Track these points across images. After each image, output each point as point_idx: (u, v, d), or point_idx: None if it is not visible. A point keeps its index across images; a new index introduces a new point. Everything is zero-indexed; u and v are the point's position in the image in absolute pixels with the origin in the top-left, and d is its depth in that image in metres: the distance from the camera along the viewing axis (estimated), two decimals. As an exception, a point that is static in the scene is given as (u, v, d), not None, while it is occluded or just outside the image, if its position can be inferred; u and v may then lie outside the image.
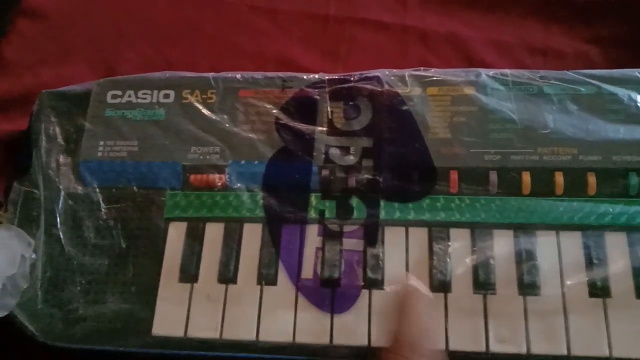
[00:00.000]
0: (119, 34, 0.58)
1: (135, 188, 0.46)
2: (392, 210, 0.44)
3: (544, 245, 0.42)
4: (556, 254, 0.42)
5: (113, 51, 0.57)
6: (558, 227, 0.42)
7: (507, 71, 0.45)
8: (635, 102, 0.44)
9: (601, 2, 0.56)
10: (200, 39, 0.57)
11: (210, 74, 0.48)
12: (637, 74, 0.45)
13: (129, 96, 0.49)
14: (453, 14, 0.58)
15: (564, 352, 0.39)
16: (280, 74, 0.48)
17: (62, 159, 0.48)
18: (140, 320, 0.43)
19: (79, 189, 0.47)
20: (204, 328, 0.42)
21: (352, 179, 0.45)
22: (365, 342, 0.41)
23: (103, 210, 0.46)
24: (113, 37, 0.58)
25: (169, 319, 0.43)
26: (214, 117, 0.47)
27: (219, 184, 0.45)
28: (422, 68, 0.47)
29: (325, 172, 0.45)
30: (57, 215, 0.46)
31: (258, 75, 0.48)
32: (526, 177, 0.43)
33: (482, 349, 0.40)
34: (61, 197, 0.46)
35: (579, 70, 0.45)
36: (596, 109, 0.44)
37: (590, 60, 0.54)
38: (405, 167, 0.44)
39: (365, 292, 0.42)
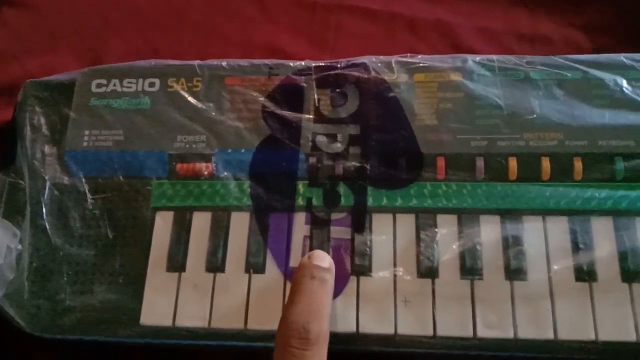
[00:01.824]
0: (105, 23, 0.57)
1: (121, 178, 0.46)
2: (380, 197, 0.44)
3: (531, 230, 0.42)
4: (543, 239, 0.42)
5: (99, 40, 0.57)
6: (544, 212, 0.42)
7: (494, 57, 0.45)
8: (621, 87, 0.44)
9: (589, -12, 0.56)
10: (187, 27, 0.57)
11: (196, 62, 0.48)
12: (623, 58, 0.45)
13: (114, 85, 0.48)
14: (441, 1, 0.58)
15: (551, 336, 0.40)
16: (266, 61, 0.47)
17: (47, 149, 0.47)
18: (128, 310, 0.43)
19: (65, 179, 0.46)
20: (192, 317, 0.42)
21: (339, 166, 0.45)
22: (353, 329, 0.41)
23: (89, 200, 0.46)
24: (99, 25, 0.57)
25: (156, 308, 0.43)
26: (199, 106, 0.46)
27: (206, 172, 0.45)
28: (409, 54, 0.47)
29: (312, 160, 0.45)
30: (43, 205, 0.45)
31: (244, 62, 0.48)
32: (512, 163, 0.43)
33: (470, 334, 0.40)
34: (47, 188, 0.46)
35: (565, 55, 0.45)
36: (582, 94, 0.44)
37: (578, 46, 0.54)
38: (392, 154, 0.44)
39: (353, 279, 0.42)
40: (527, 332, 0.40)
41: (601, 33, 0.55)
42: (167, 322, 0.42)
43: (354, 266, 0.42)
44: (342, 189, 0.44)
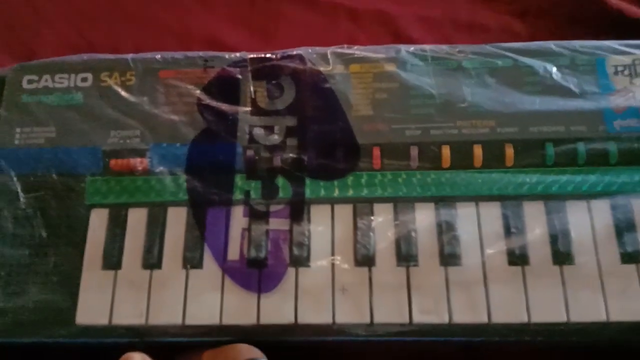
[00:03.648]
0: (37, 17, 0.56)
1: (54, 175, 0.45)
2: (318, 188, 0.44)
3: (464, 216, 0.43)
4: (476, 224, 0.43)
5: (32, 35, 0.56)
6: (477, 198, 0.43)
7: (426, 47, 0.46)
8: (550, 73, 0.45)
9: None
10: (123, 18, 0.56)
11: (129, 55, 0.47)
12: (553, 46, 0.46)
13: (46, 81, 0.47)
14: (381, -10, 0.58)
15: (485, 320, 0.40)
16: (201, 53, 0.47)
17: (-23, 147, 0.46)
18: (64, 310, 0.42)
19: (-4, 178, 0.45)
20: (129, 315, 0.42)
21: (277, 158, 0.45)
22: (292, 320, 0.41)
23: (22, 199, 0.45)
24: (32, 20, 0.56)
25: (92, 307, 0.42)
26: (133, 100, 0.46)
27: (140, 168, 0.44)
28: (345, 45, 0.47)
29: (249, 153, 0.45)
30: (-27, 206, 0.44)
31: (179, 55, 0.47)
32: (446, 151, 0.43)
33: (406, 320, 0.40)
34: (-24, 188, 0.45)
35: (496, 44, 0.46)
36: (513, 82, 0.45)
37: (514, 33, 0.56)
38: (329, 145, 0.44)
39: (291, 270, 0.42)
40: (462, 316, 0.40)
41: (537, 19, 0.56)
42: (104, 320, 0.42)
43: (292, 257, 0.42)
44: (280, 181, 0.44)
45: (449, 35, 0.55)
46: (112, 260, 0.43)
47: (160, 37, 0.55)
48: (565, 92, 0.44)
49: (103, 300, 0.42)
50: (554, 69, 0.45)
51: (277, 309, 0.41)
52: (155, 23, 0.56)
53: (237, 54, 0.47)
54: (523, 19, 0.56)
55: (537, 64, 0.45)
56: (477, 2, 0.57)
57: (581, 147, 0.43)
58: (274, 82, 0.46)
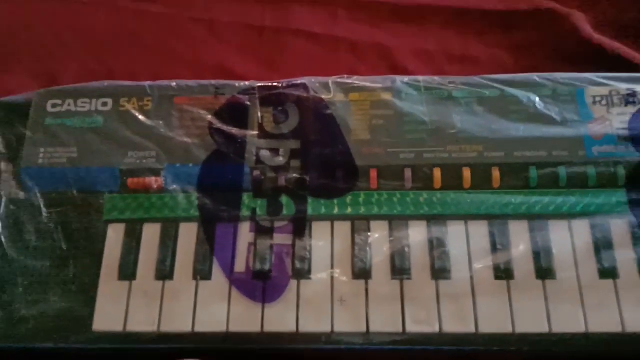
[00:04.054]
0: (60, 45, 0.60)
1: (75, 192, 0.48)
2: (319, 206, 0.47)
3: (454, 233, 0.46)
4: (465, 241, 0.46)
5: (55, 61, 0.59)
6: (466, 217, 0.46)
7: (420, 77, 0.50)
8: (534, 102, 0.49)
9: (514, 12, 0.62)
10: (140, 49, 0.60)
11: (147, 83, 0.51)
12: (536, 77, 0.50)
13: (69, 105, 0.51)
14: (380, 25, 0.63)
15: (473, 330, 0.43)
16: (213, 81, 0.51)
17: (3, 166, 0.50)
18: (82, 318, 0.45)
19: (21, 194, 0.49)
20: (142, 322, 0.45)
21: (281, 178, 0.48)
22: (294, 328, 0.44)
23: (44, 214, 0.48)
24: (55, 47, 0.60)
25: (108, 315, 0.45)
26: (149, 123, 0.49)
27: (155, 186, 0.48)
28: (345, 75, 0.51)
29: (256, 173, 0.48)
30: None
31: (192, 83, 0.51)
32: (437, 173, 0.47)
33: (400, 329, 0.43)
34: (3, 203, 0.48)
35: (484, 75, 0.50)
36: (499, 110, 0.48)
37: (504, 64, 0.59)
38: (330, 167, 0.48)
39: (294, 282, 0.45)
40: (451, 326, 0.43)
41: (525, 53, 0.60)
42: (119, 327, 0.44)
43: (294, 270, 0.46)
44: (284, 199, 0.48)
45: (442, 67, 0.59)
46: (128, 271, 0.46)
47: (175, 66, 0.59)
48: (548, 120, 0.48)
49: (118, 308, 0.45)
50: (537, 99, 0.49)
51: (280, 318, 0.44)
52: (170, 53, 0.60)
53: (247, 83, 0.51)
54: (511, 51, 0.60)
55: (521, 94, 0.49)
56: (469, 36, 0.61)
57: (562, 170, 0.47)
58: (279, 108, 0.50)
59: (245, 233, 0.47)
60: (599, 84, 0.49)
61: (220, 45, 0.61)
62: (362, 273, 0.45)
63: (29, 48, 0.60)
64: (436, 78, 0.49)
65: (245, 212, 0.47)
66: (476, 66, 0.59)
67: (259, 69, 0.60)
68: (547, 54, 0.60)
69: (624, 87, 0.49)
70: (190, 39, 0.61)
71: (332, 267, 0.46)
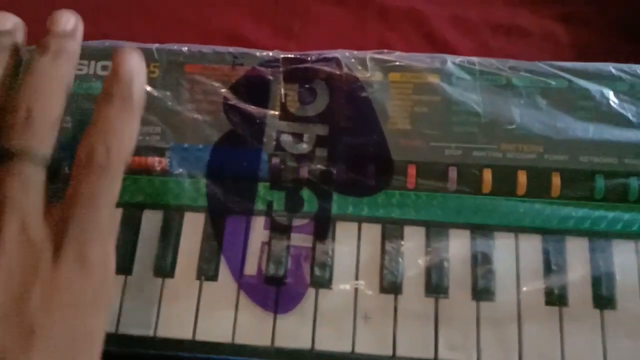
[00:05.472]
0: (50, 5, 0.53)
1: (67, 170, 0.42)
2: (345, 204, 0.41)
3: (502, 248, 0.40)
4: (514, 258, 0.39)
5: (44, 25, 0.52)
6: (517, 229, 0.40)
7: (475, 59, 0.42)
8: (608, 99, 0.41)
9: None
10: (140, 11, 0.53)
11: (154, 45, 0.44)
12: (612, 68, 0.42)
13: (64, 66, 0.44)
14: (415, -14, 0.54)
15: (516, 361, 0.38)
16: (230, 49, 0.44)
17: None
18: (68, 313, 0.40)
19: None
20: (137, 325, 0.39)
21: (304, 169, 0.41)
22: (308, 345, 0.38)
23: (32, 191, 0.42)
24: (46, 10, 0.53)
25: (99, 313, 0.40)
26: (155, 94, 0.43)
27: (159, 168, 0.42)
28: (385, 50, 0.43)
29: (275, 161, 0.42)
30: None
31: (206, 49, 0.44)
32: (487, 175, 0.40)
33: (431, 356, 0.38)
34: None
35: (550, 62, 0.42)
36: (566, 105, 0.41)
37: (556, 39, 0.51)
38: (361, 159, 0.41)
39: (311, 292, 0.39)
40: (491, 356, 0.38)
41: (580, 26, 0.52)
42: (110, 329, 0.39)
43: (313, 277, 0.40)
44: (305, 193, 0.41)
45: (485, 38, 0.51)
46: (123, 264, 0.40)
47: (179, 32, 0.51)
48: (622, 121, 0.41)
49: (111, 306, 0.40)
50: (612, 94, 0.41)
51: (293, 331, 0.39)
52: (173, 16, 0.52)
53: (270, 53, 0.43)
54: (566, 24, 0.52)
55: (593, 87, 0.41)
56: (516, 4, 0.52)
57: (634, 182, 0.40)
58: (307, 86, 0.43)
59: (258, 230, 0.41)
60: (686, 80, 0.42)
61: (230, 8, 0.53)
62: (391, 287, 0.39)
63: (19, 10, 0.52)
64: (494, 61, 0.42)
65: (260, 206, 0.41)
66: (525, 38, 0.51)
67: (274, 36, 0.52)
68: (607, 28, 0.52)
69: None
70: (196, 1, 0.54)
71: (357, 277, 0.40)
